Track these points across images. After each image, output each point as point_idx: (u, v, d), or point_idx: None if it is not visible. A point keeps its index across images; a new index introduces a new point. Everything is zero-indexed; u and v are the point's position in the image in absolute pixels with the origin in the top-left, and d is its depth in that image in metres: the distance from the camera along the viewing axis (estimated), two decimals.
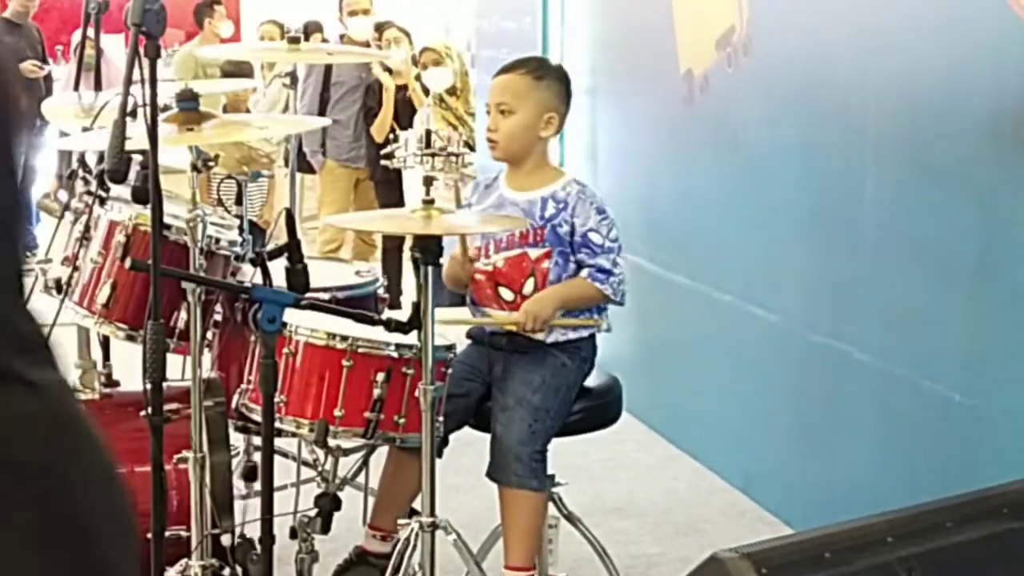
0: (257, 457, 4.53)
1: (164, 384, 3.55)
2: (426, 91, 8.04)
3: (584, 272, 3.67)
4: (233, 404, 3.61)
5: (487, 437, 3.68)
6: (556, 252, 3.66)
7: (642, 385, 5.68)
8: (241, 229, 3.68)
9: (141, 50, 2.83)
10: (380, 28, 8.85)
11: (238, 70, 7.40)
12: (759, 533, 4.46)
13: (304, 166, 8.79)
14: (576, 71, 6.23)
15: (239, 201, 3.80)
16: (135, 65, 2.81)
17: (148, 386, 2.99)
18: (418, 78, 8.20)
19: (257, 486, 4.30)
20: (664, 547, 4.50)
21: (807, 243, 4.52)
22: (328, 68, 8.69)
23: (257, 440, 4.40)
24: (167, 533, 3.42)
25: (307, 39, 10.39)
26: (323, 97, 8.72)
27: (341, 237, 8.74)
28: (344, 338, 3.37)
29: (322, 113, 8.68)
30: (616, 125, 5.94)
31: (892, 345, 4.08)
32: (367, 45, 8.55)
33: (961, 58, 3.77)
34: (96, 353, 3.91)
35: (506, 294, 3.72)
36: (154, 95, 2.86)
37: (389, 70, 8.39)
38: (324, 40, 9.82)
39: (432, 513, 3.30)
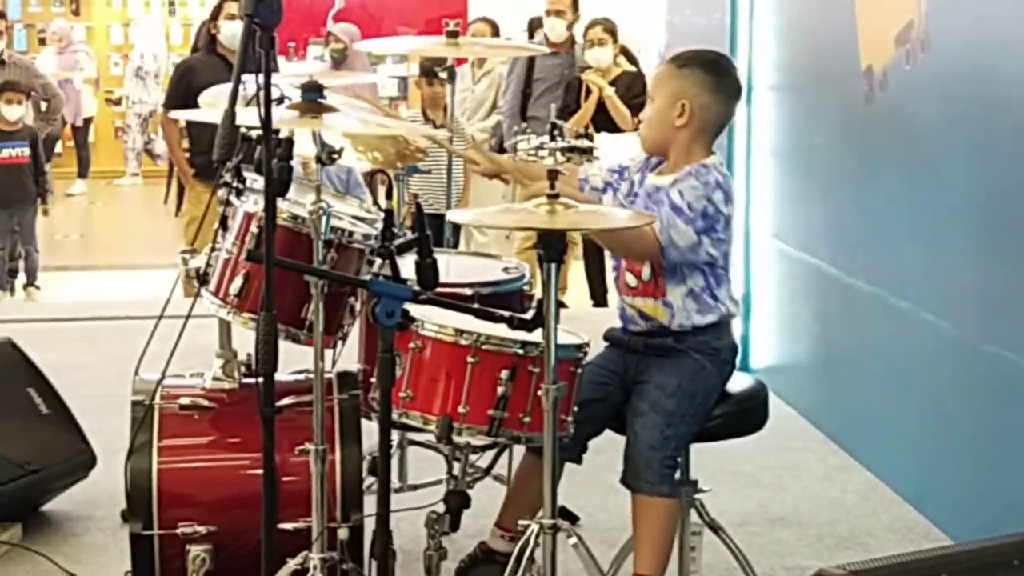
0: (412, 452, 4.54)
1: (297, 376, 3.65)
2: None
3: None
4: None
5: None
6: None
7: (820, 391, 5.52)
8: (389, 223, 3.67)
9: (256, 41, 2.83)
10: (587, 26, 8.78)
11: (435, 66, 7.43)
12: None
13: None
14: (763, 67, 6.11)
15: (389, 195, 3.80)
16: (247, 55, 2.81)
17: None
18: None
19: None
20: (821, 560, 4.30)
21: (982, 249, 4.29)
22: (531, 65, 8.70)
23: (410, 435, 4.41)
24: (295, 525, 3.46)
25: (531, 37, 10.42)
26: (525, 93, 8.72)
27: None
28: (469, 334, 3.33)
29: (524, 109, 8.70)
30: (799, 122, 5.77)
31: None
32: (563, 44, 8.52)
33: None
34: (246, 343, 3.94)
35: (631, 280, 3.60)
36: (268, 85, 2.86)
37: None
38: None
39: (553, 515, 3.22)
